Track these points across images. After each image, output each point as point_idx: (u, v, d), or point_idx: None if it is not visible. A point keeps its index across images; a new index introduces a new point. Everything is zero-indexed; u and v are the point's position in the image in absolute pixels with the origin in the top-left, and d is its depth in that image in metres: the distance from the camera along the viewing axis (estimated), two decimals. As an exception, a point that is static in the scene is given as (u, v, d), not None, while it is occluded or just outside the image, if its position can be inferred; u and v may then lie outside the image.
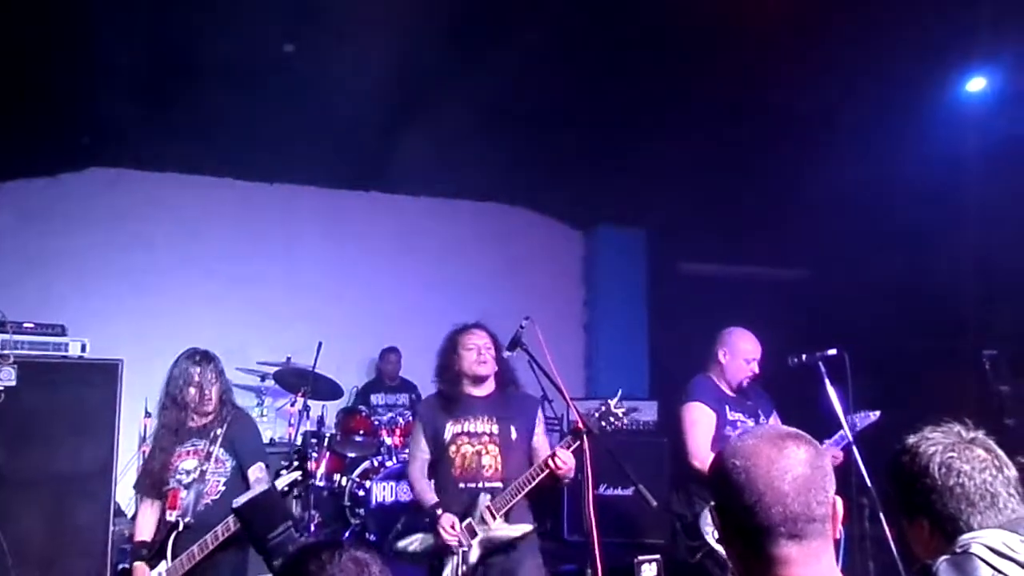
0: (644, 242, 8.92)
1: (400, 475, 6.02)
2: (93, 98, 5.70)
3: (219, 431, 3.85)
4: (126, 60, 5.28)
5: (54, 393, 4.91)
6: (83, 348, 5.15)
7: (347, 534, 6.03)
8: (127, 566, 3.90)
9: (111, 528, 5.05)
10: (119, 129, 6.32)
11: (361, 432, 6.47)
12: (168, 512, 3.81)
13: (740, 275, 7.93)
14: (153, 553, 3.78)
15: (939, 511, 1.76)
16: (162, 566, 3.71)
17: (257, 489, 3.65)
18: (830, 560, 1.44)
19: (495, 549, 3.70)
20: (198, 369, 3.88)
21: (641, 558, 2.01)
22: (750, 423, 4.15)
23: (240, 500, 3.59)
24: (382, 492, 5.97)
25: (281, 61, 5.48)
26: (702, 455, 3.94)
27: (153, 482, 3.91)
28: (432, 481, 3.92)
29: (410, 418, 6.65)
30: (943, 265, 5.87)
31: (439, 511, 3.75)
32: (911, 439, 1.86)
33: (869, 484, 3.71)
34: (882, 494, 3.63)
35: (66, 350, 5.10)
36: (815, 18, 4.89)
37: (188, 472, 3.81)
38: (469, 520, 3.70)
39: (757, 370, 4.20)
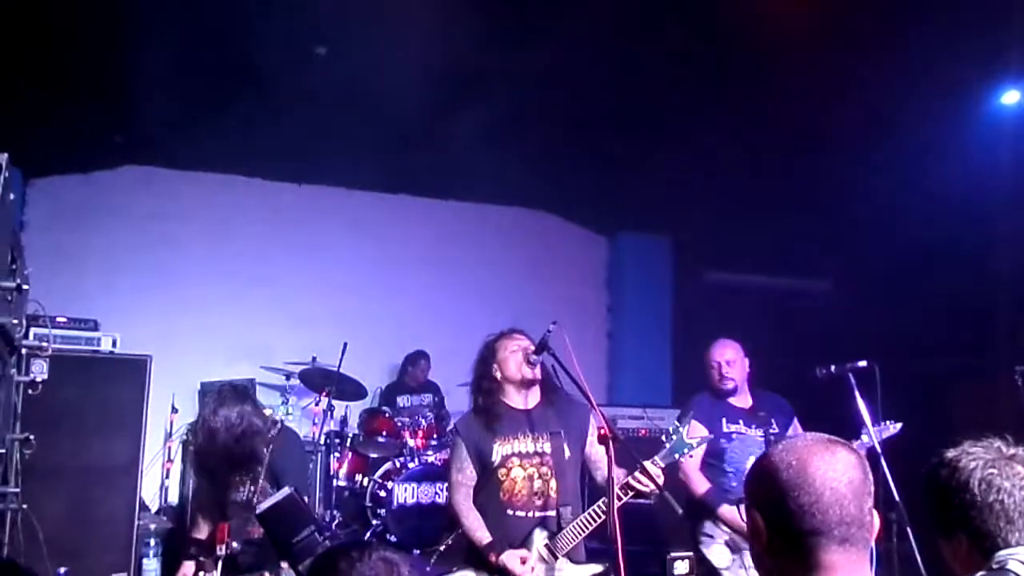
0: (669, 250, 8.89)
1: (422, 477, 6.04)
2: (127, 97, 5.76)
3: (260, 468, 3.75)
4: (159, 61, 5.34)
5: (85, 387, 4.96)
6: (114, 343, 5.22)
7: (368, 534, 6.05)
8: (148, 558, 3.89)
9: (136, 522, 5.10)
10: (151, 128, 6.39)
11: (384, 433, 6.49)
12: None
13: (766, 285, 7.89)
14: (207, 558, 3.76)
15: (977, 527, 1.74)
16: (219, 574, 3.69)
17: (279, 494, 3.66)
18: (868, 571, 1.43)
19: None
20: (246, 407, 3.75)
21: (673, 555, 2.00)
22: (753, 432, 4.14)
23: (262, 506, 3.62)
24: (404, 493, 5.99)
25: (312, 63, 5.53)
26: (688, 474, 4.06)
27: (207, 506, 3.90)
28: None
29: (432, 420, 6.66)
30: (975, 278, 5.81)
31: (494, 555, 3.42)
32: (950, 453, 1.83)
33: (897, 499, 3.66)
34: (910, 510, 3.59)
35: (98, 345, 5.17)
36: (849, 31, 4.86)
37: (241, 504, 3.76)
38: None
39: (731, 374, 4.22)
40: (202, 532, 3.92)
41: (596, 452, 3.66)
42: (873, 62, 5.12)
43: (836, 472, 1.42)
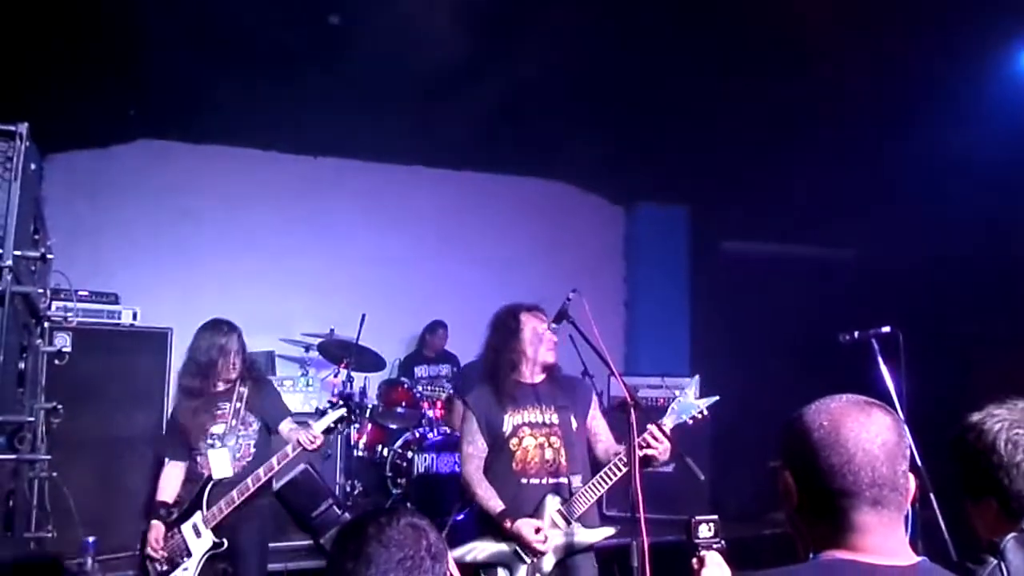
0: (686, 219, 8.85)
1: (441, 447, 6.07)
2: (141, 71, 5.74)
3: (243, 390, 4.05)
4: (173, 34, 5.31)
5: (107, 359, 5.02)
6: (135, 316, 5.26)
7: (388, 504, 6.10)
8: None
9: (161, 492, 5.16)
10: (166, 102, 6.39)
11: (403, 404, 6.52)
12: (201, 471, 3.97)
13: (784, 254, 7.84)
14: (182, 511, 3.96)
15: (1006, 488, 1.74)
16: (197, 517, 3.89)
17: (295, 471, 3.80)
18: (903, 535, 1.42)
19: (568, 554, 3.49)
20: (224, 340, 4.06)
21: (699, 518, 2.00)
22: None
23: (279, 483, 3.75)
24: (423, 463, 6.02)
25: (326, 34, 5.49)
26: None
27: (178, 443, 4.07)
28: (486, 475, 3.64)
29: (451, 391, 6.69)
30: (999, 242, 5.74)
31: (508, 522, 3.46)
32: (975, 416, 1.82)
33: (920, 465, 3.63)
34: (934, 476, 3.57)
35: (119, 318, 5.21)
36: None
37: (218, 436, 3.99)
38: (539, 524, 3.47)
39: None
40: (169, 494, 4.03)
41: (597, 425, 3.75)
42: (891, 26, 5.04)
43: (869, 433, 1.41)
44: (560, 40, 5.56)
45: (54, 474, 3.23)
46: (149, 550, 3.86)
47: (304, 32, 5.49)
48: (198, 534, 3.87)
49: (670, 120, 6.67)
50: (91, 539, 4.10)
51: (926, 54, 5.23)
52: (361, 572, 1.50)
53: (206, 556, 3.86)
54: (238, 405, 4.02)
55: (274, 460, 3.88)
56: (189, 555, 3.86)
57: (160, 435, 4.68)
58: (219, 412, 4.02)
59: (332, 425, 3.96)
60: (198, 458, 3.99)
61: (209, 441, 3.98)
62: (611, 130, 6.90)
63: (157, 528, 3.89)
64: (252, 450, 4.02)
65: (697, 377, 3.54)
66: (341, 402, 4.03)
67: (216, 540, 3.85)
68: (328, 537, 4.72)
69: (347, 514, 5.07)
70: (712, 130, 6.63)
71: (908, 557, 1.41)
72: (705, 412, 3.46)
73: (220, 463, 3.92)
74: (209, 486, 3.91)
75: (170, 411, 4.39)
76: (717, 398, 3.49)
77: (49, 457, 3.06)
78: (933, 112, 5.61)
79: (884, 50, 5.28)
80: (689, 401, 3.44)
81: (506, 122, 6.78)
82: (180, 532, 3.90)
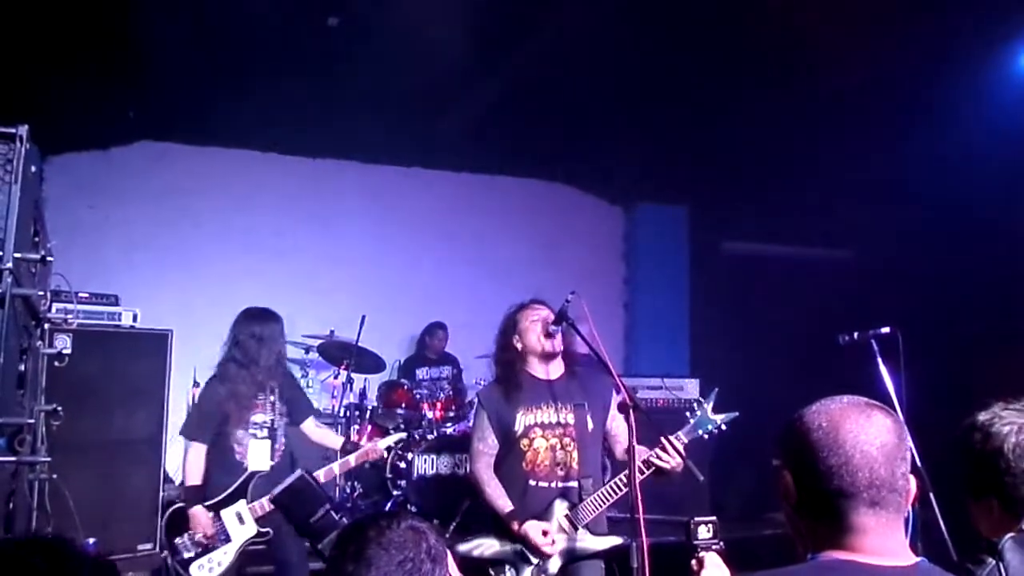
0: (686, 220, 8.86)
1: (441, 448, 6.07)
2: (141, 73, 5.75)
3: (274, 384, 4.14)
4: (172, 35, 5.32)
5: (107, 361, 5.01)
6: (135, 318, 5.26)
7: (389, 505, 6.10)
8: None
9: (161, 494, 5.16)
10: (166, 104, 6.40)
11: (403, 405, 6.52)
12: (240, 459, 4.06)
13: (784, 254, 7.85)
14: (222, 497, 4.01)
15: (1010, 493, 1.74)
16: (240, 505, 3.98)
17: (291, 476, 3.84)
18: (902, 536, 1.43)
19: (574, 560, 3.45)
20: (279, 327, 4.22)
21: (698, 519, 2.00)
22: None
23: (276, 488, 3.79)
24: (423, 465, 6.02)
25: (325, 35, 5.50)
26: None
27: (205, 426, 4.12)
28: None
29: (451, 392, 6.68)
30: (998, 241, 5.75)
31: (516, 524, 3.43)
32: (983, 417, 1.82)
33: (919, 465, 3.63)
34: (932, 476, 3.57)
35: (119, 319, 5.21)
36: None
37: (260, 425, 4.09)
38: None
39: None
40: (197, 477, 4.09)
41: (617, 426, 3.66)
42: (890, 26, 5.04)
43: (868, 435, 1.41)
44: (560, 41, 5.57)
45: (54, 476, 3.23)
46: (201, 536, 3.93)
47: (304, 33, 5.49)
48: (242, 521, 3.98)
49: (670, 120, 6.67)
50: (91, 541, 4.10)
51: (926, 54, 5.24)
52: (361, 574, 1.50)
53: (247, 543, 3.98)
54: (272, 397, 4.12)
55: (335, 466, 4.04)
56: (228, 540, 3.96)
57: (189, 416, 4.62)
58: (259, 401, 4.12)
59: (391, 445, 4.11)
60: (235, 446, 4.06)
61: (251, 430, 4.08)
62: (611, 130, 6.91)
63: (204, 513, 3.95)
64: (285, 440, 4.16)
65: (716, 390, 3.47)
66: (403, 425, 4.30)
67: (261, 529, 3.98)
68: (327, 542, 4.72)
69: (345, 518, 5.08)
70: (712, 130, 6.64)
71: (907, 558, 1.42)
72: (724, 428, 3.41)
73: (260, 455, 4.03)
74: (255, 477, 4.00)
75: (199, 393, 4.42)
76: (736, 414, 3.42)
77: (49, 459, 3.05)
78: (933, 112, 5.61)
79: (884, 51, 5.28)
80: (707, 416, 3.39)
81: (506, 123, 6.79)
82: (220, 518, 3.98)
